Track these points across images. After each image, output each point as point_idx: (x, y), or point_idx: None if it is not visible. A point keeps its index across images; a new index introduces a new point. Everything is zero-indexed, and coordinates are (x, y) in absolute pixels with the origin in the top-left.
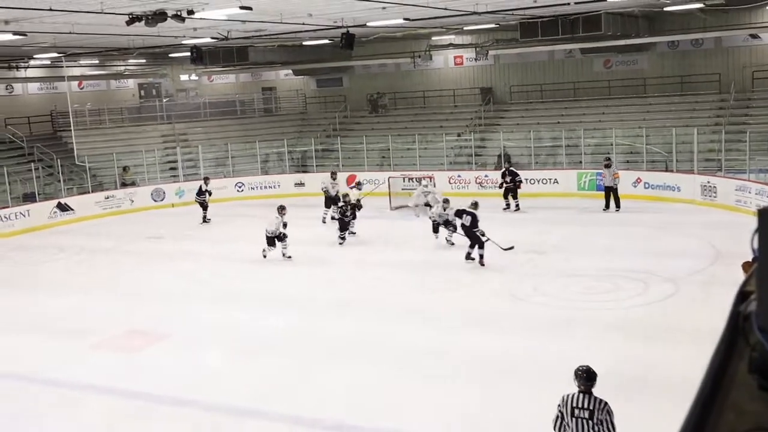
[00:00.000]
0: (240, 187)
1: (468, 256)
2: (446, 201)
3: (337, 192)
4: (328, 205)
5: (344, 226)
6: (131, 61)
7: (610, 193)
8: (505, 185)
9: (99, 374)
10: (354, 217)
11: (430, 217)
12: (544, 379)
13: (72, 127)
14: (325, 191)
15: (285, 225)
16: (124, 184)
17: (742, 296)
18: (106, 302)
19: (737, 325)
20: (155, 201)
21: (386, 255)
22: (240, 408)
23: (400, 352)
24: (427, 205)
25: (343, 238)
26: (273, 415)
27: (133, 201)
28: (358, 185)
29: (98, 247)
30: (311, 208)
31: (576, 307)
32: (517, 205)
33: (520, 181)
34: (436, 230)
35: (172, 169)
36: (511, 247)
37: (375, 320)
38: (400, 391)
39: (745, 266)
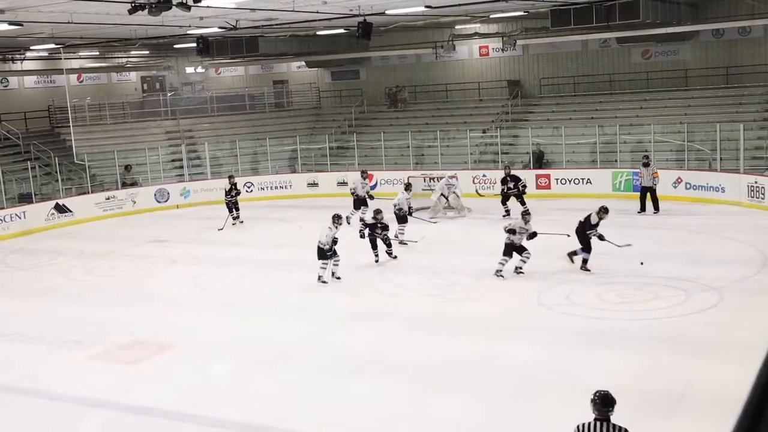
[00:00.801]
0: (249, 187)
1: (573, 257)
2: (527, 213)
3: (367, 192)
4: (357, 207)
5: (375, 243)
6: (133, 52)
7: (647, 193)
8: (508, 191)
9: (96, 386)
10: (385, 236)
11: (507, 230)
12: (575, 395)
13: (71, 123)
14: (353, 192)
15: (335, 241)
16: (125, 184)
17: None
18: (105, 310)
19: None
20: (159, 202)
21: (407, 261)
22: (244, 424)
23: (423, 364)
24: (447, 204)
25: (377, 256)
26: None
27: (135, 202)
28: (408, 188)
29: (98, 251)
30: (325, 210)
31: (611, 317)
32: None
33: (525, 186)
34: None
35: (176, 168)
36: (629, 245)
37: (395, 330)
38: (422, 406)
39: None
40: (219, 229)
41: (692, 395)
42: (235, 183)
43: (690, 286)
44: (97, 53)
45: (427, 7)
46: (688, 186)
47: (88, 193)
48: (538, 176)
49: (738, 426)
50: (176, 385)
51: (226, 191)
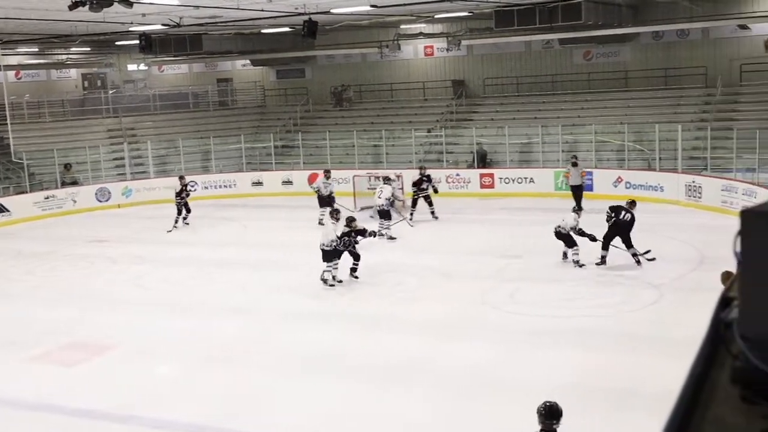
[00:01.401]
0: (193, 186)
1: (603, 260)
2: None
3: (331, 192)
4: (322, 206)
5: (357, 254)
6: (74, 49)
7: (577, 191)
8: (420, 194)
9: (35, 389)
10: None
11: (559, 230)
12: (521, 394)
13: (8, 121)
14: (317, 191)
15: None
16: (65, 183)
17: (724, 303)
18: (45, 311)
19: (719, 334)
20: (100, 201)
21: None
22: (188, 424)
23: (366, 364)
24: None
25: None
26: None
27: (75, 201)
28: (387, 180)
29: (37, 252)
30: (270, 209)
31: (555, 316)
32: (434, 212)
33: (435, 189)
34: None
35: (118, 167)
36: (648, 252)
37: (342, 330)
38: (370, 406)
39: (725, 276)
40: (168, 231)
41: (635, 391)
42: (186, 184)
43: (631, 284)
44: (37, 50)
45: (372, 6)
46: (628, 185)
47: (27, 192)
48: (482, 175)
49: (671, 420)
50: (118, 387)
51: (176, 192)
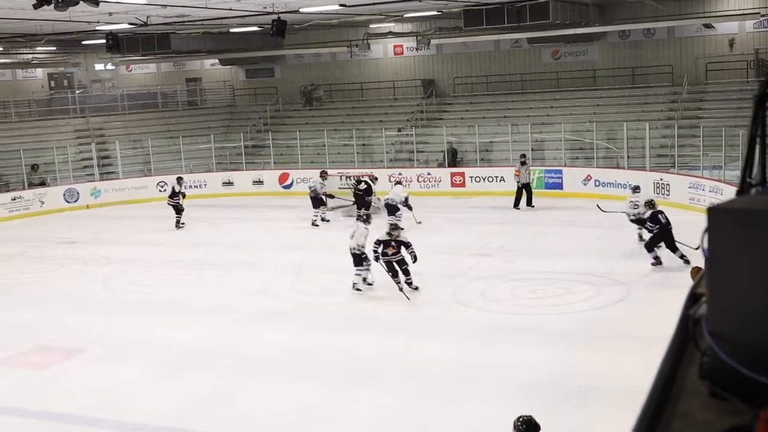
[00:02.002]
0: (162, 186)
1: (658, 261)
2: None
3: (325, 192)
4: (316, 206)
5: (392, 267)
6: (40, 48)
7: (523, 190)
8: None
9: (3, 392)
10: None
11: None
12: (491, 392)
13: None
14: (312, 190)
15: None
16: (32, 184)
17: (693, 299)
18: (11, 314)
19: (687, 330)
20: (68, 202)
21: (324, 260)
22: (156, 427)
23: (337, 364)
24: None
25: (398, 283)
26: None
27: (43, 203)
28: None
29: (4, 253)
30: (240, 209)
31: (524, 313)
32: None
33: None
34: None
35: (86, 167)
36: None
37: (311, 330)
38: (340, 406)
39: (694, 272)
40: (178, 228)
41: (603, 388)
42: (179, 186)
43: (599, 281)
44: (1, 49)
45: (341, 5)
46: (597, 183)
47: None
48: (452, 174)
49: (641, 416)
50: (87, 390)
51: (175, 192)
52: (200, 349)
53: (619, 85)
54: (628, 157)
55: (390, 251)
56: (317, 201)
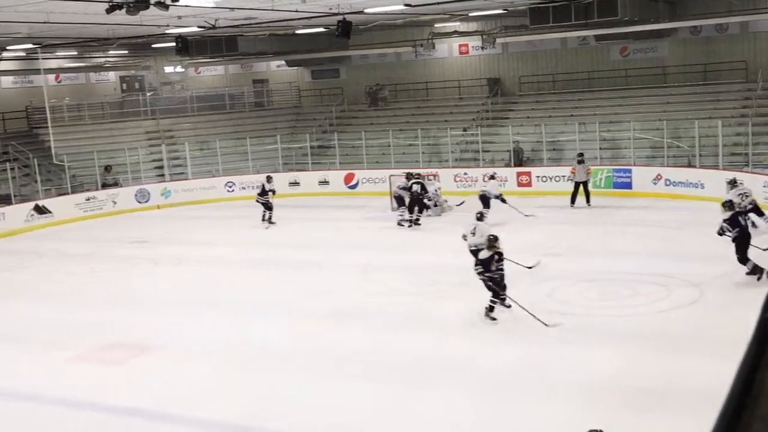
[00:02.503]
0: (230, 186)
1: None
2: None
3: (429, 193)
4: (401, 205)
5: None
6: (112, 52)
7: (579, 187)
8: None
9: (77, 389)
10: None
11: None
12: (556, 394)
13: (49, 124)
14: (401, 189)
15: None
16: (106, 185)
17: None
18: (86, 311)
19: (766, 333)
20: (139, 202)
21: (390, 260)
22: (229, 425)
23: (402, 364)
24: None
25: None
26: None
27: (115, 203)
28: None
29: (78, 252)
30: (306, 209)
31: (592, 314)
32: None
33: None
34: None
35: (157, 168)
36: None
37: (376, 330)
38: (403, 406)
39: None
40: (272, 222)
41: (673, 391)
42: (269, 184)
43: (671, 282)
44: (76, 53)
45: (406, 5)
46: (668, 182)
47: (68, 193)
48: (519, 174)
49: (719, 422)
50: (158, 386)
51: (265, 189)
52: (268, 348)
53: (690, 82)
54: (700, 155)
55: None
56: (400, 200)
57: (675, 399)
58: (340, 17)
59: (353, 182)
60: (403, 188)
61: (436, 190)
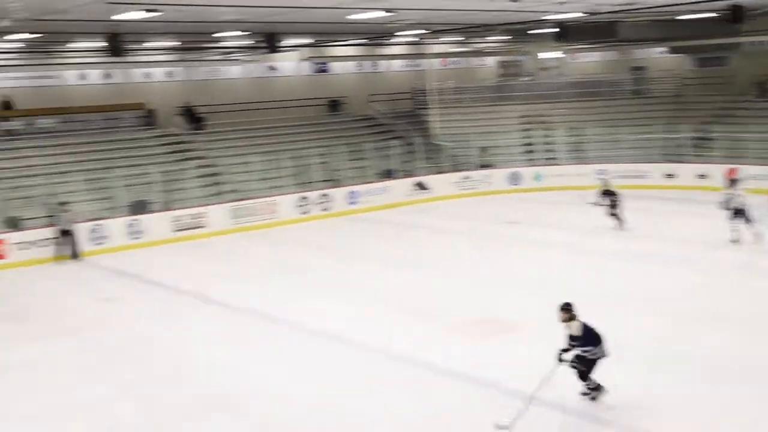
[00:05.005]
0: (601, 173)
1: None
2: None
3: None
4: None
5: None
6: (492, 38)
7: None
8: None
9: (448, 358)
10: None
11: None
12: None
13: (430, 106)
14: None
15: None
16: (482, 166)
17: None
18: (461, 285)
19: None
20: (511, 184)
21: None
22: (586, 414)
23: None
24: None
25: None
26: None
27: (490, 183)
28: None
29: (454, 229)
30: (682, 203)
31: None
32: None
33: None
34: None
35: (529, 152)
36: None
37: (732, 332)
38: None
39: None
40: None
41: None
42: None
43: None
44: (461, 38)
45: None
46: None
47: (446, 172)
48: None
49: None
50: (521, 364)
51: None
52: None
53: None
54: None
55: None
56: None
57: None
58: (731, 1)
59: (735, 178)
60: None
61: None
